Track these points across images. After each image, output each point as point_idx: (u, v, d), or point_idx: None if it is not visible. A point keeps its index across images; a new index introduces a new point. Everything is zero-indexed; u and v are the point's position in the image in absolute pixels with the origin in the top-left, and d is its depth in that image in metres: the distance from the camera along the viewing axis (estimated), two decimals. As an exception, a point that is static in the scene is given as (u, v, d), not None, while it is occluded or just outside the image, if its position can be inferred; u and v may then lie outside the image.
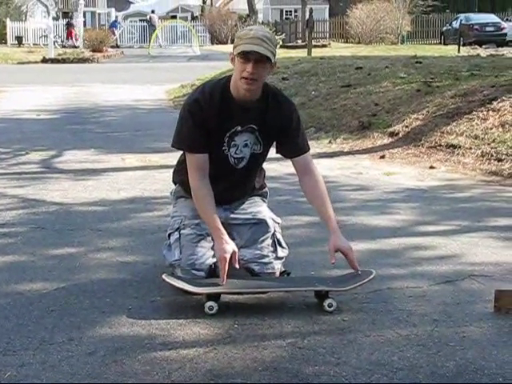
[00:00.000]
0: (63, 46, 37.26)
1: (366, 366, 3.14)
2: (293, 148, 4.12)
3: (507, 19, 39.43)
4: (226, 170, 4.05)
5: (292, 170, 6.80)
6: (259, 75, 3.82)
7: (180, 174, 4.13)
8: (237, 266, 3.84)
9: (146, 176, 7.31)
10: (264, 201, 4.34)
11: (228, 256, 3.79)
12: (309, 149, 4.19)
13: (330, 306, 3.75)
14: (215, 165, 4.01)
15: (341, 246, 3.91)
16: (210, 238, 4.03)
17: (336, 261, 3.92)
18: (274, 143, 4.16)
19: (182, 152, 4.13)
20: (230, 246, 3.84)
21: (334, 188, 6.88)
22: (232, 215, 4.17)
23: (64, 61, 29.22)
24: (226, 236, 3.87)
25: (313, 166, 4.17)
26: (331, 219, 4.00)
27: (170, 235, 4.11)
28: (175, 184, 4.30)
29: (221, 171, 4.03)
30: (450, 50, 22.73)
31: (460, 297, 4.00)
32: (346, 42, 39.34)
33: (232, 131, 3.97)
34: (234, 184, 4.12)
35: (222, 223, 4.12)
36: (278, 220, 4.26)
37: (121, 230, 5.32)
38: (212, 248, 4.02)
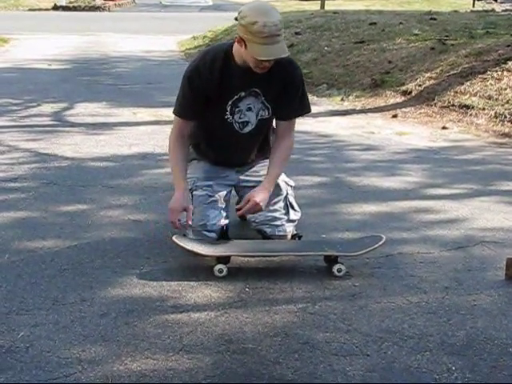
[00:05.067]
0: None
1: (376, 334, 3.15)
2: (283, 112, 4.02)
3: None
4: (232, 136, 4.02)
5: (303, 127, 6.82)
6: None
7: (192, 137, 4.09)
8: (190, 222, 3.82)
9: (158, 131, 7.27)
10: (277, 163, 4.30)
11: (177, 210, 3.80)
12: (300, 114, 4.09)
13: (339, 271, 3.76)
14: (220, 131, 4.01)
15: (252, 196, 3.86)
16: (222, 200, 4.03)
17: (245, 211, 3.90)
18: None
19: None
20: (184, 202, 3.81)
21: (345, 147, 6.88)
22: (244, 177, 4.16)
23: (75, 8, 29.05)
24: (185, 191, 3.85)
25: (291, 132, 4.07)
26: (271, 177, 3.95)
27: (182, 196, 4.09)
28: (187, 146, 4.27)
29: (227, 137, 4.03)
30: (465, 4, 22.44)
31: (471, 263, 4.00)
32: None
33: (235, 98, 3.92)
34: (242, 148, 4.08)
35: (235, 186, 4.14)
36: (291, 183, 4.24)
37: (132, 187, 5.32)
38: (224, 210, 4.02)
